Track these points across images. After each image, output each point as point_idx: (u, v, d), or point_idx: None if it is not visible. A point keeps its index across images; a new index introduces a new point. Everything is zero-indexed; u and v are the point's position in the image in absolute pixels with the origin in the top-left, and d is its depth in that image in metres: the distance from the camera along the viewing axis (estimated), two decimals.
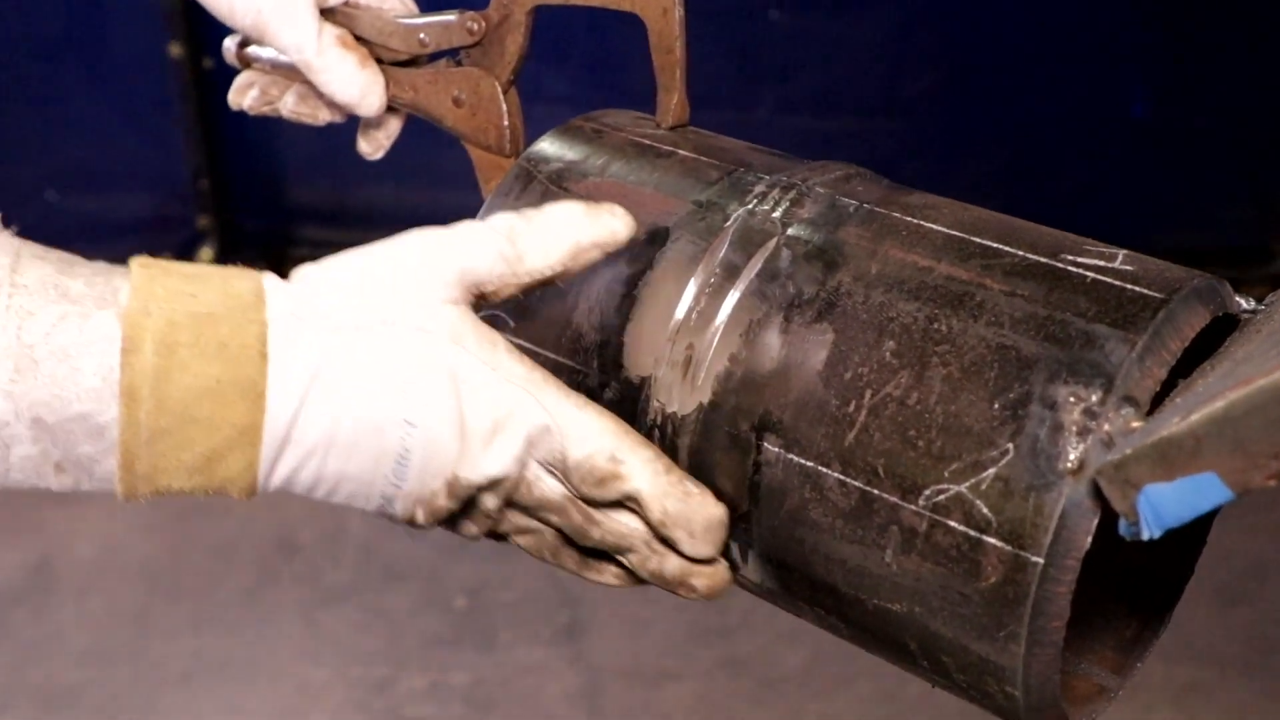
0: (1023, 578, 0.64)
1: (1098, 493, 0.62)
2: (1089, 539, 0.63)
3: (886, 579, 0.69)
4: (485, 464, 0.73)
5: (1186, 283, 0.68)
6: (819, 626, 0.78)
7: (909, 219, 0.76)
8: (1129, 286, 0.68)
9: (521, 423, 0.73)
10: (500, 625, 2.77)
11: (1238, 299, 0.72)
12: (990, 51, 3.41)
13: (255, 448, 0.69)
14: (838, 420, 0.70)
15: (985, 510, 0.65)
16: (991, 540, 0.65)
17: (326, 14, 1.00)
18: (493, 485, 0.74)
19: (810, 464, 0.71)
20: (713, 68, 3.24)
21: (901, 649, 0.72)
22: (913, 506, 0.67)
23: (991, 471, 0.65)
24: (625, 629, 2.77)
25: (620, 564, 0.78)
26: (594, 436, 0.73)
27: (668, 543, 0.75)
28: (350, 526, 3.00)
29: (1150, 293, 0.68)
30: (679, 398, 0.76)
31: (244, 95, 1.08)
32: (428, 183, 2.86)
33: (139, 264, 0.70)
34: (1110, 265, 0.70)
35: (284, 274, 0.74)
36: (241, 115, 1.10)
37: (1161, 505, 0.59)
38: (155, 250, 0.74)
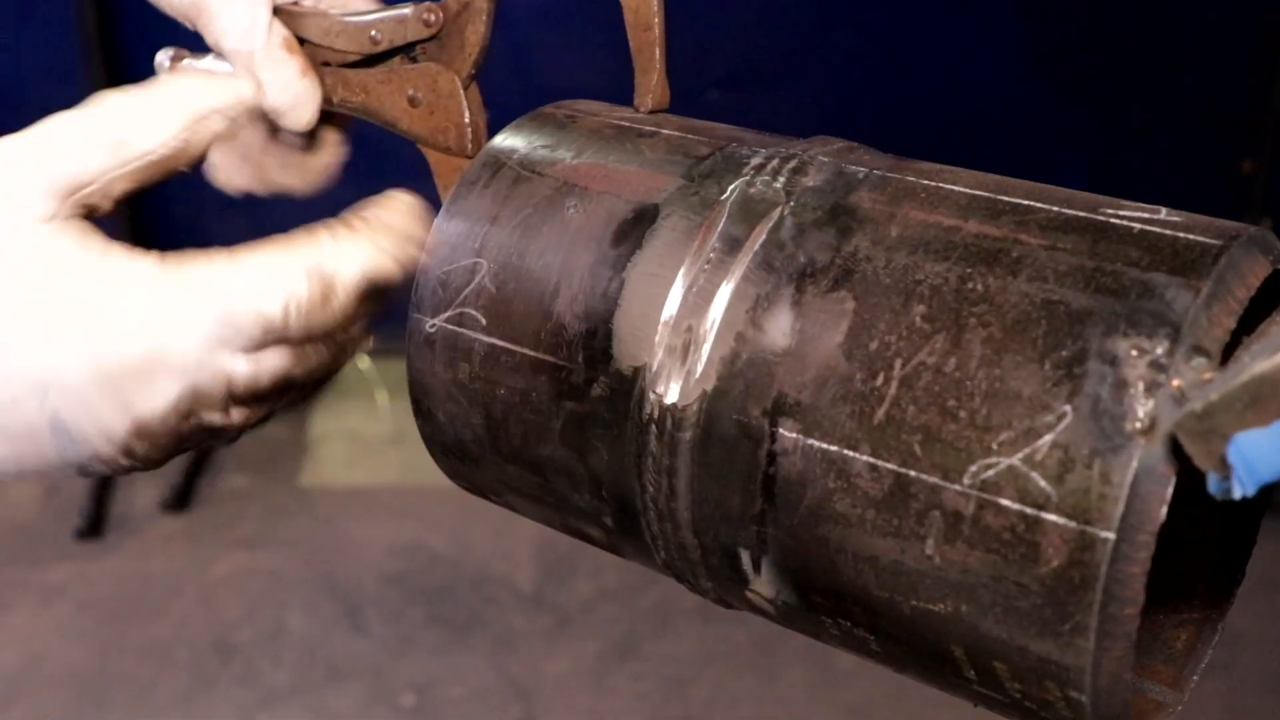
0: (1091, 558, 0.56)
1: (1174, 454, 0.54)
2: (1164, 509, 0.55)
3: (928, 575, 0.61)
4: (157, 396, 0.60)
5: (1243, 231, 0.62)
6: (844, 647, 0.69)
7: (926, 182, 0.69)
8: (1181, 235, 0.61)
9: (186, 326, 0.61)
10: None
11: None
12: (926, 132, 3.41)
13: None
14: (864, 396, 0.62)
15: (1043, 483, 0.57)
16: (1051, 517, 0.57)
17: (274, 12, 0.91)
18: (195, 400, 0.61)
19: (834, 448, 0.62)
20: None
21: (944, 659, 0.63)
22: (957, 486, 0.59)
23: (1048, 439, 0.57)
24: None
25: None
26: (268, 287, 0.63)
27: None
28: (290, 624, 2.85)
29: (1207, 240, 0.60)
30: (678, 387, 0.67)
31: None
32: None
33: None
34: (1155, 217, 0.63)
35: None
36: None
37: (1256, 456, 0.51)
38: None
